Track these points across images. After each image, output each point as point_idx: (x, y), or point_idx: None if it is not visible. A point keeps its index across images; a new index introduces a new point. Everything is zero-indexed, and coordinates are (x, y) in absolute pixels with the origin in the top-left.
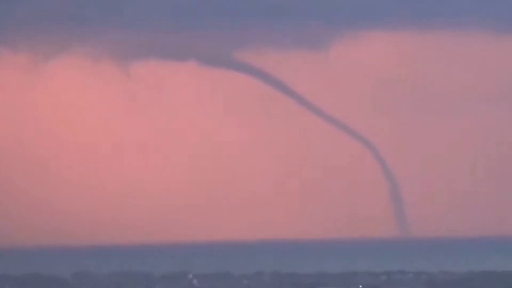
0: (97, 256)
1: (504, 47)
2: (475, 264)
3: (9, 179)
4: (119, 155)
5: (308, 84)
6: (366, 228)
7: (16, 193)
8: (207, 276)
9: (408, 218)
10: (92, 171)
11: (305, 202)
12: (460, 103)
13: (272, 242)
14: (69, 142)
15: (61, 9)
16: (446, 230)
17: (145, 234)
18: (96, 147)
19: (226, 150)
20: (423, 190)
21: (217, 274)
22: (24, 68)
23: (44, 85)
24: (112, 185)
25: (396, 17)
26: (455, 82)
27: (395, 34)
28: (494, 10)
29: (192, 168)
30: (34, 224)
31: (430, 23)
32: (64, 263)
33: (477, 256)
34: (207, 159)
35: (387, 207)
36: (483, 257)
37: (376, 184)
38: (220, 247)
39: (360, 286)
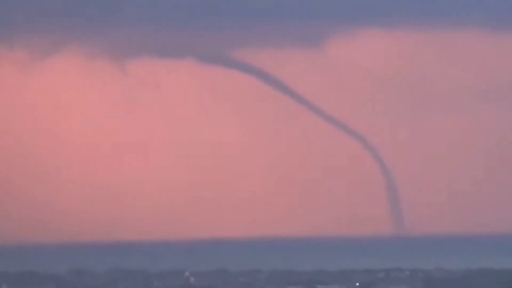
0: (93, 253)
1: (503, 45)
2: (471, 261)
3: (5, 177)
4: (115, 153)
5: (306, 82)
6: (363, 226)
7: (12, 190)
8: (204, 274)
9: (405, 216)
10: (88, 168)
11: (303, 199)
12: (458, 101)
13: (269, 239)
14: (65, 139)
15: (57, 7)
16: (443, 228)
17: (141, 231)
18: (92, 144)
19: (223, 148)
20: (420, 188)
21: (214, 271)
22: (19, 66)
23: (40, 83)
24: (108, 183)
25: (394, 15)
26: (454, 80)
27: (393, 32)
28: (493, 8)
29: (189, 166)
30: (30, 222)
31: (429, 21)
32: (60, 260)
33: (473, 253)
34: (204, 157)
35: (384, 205)
36: (479, 255)
37: (373, 182)
38: (217, 244)
39: (357, 283)
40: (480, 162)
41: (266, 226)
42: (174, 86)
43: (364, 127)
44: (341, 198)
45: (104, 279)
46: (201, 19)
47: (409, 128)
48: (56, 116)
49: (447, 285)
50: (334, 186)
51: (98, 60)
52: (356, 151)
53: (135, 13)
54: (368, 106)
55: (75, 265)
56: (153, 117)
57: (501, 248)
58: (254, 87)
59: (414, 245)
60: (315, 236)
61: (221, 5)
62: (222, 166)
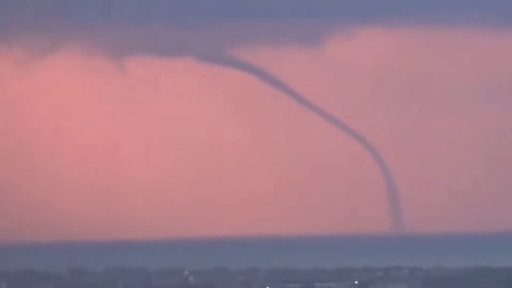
0: (92, 252)
1: (503, 44)
2: (470, 260)
3: (3, 175)
4: (114, 151)
5: (305, 81)
6: (362, 224)
7: (10, 189)
8: (203, 272)
9: (404, 214)
10: (87, 167)
11: (301, 198)
12: (458, 100)
13: (267, 238)
14: (64, 138)
15: (56, 5)
16: (441, 226)
17: (140, 230)
18: (91, 143)
19: (221, 147)
20: (419, 186)
21: (213, 270)
22: (18, 64)
23: (39, 81)
24: (106, 181)
25: (393, 14)
26: (453, 79)
27: (392, 31)
28: (492, 6)
29: (187, 164)
30: (28, 221)
31: (429, 20)
32: (59, 259)
33: (472, 252)
34: (202, 155)
35: (383, 203)
36: (478, 254)
37: (372, 181)
38: (216, 243)
39: (356, 282)
40: (479, 161)
41: (265, 225)
42: (173, 84)
43: (363, 126)
44: (340, 197)
45: (103, 278)
46: (200, 17)
47: (408, 127)
48: (54, 114)
49: (446, 283)
50: (333, 185)
51: (97, 58)
52: (355, 150)
53: (134, 12)
54: (367, 105)
55: (74, 264)
56: (151, 115)
57: (500, 247)
58: (253, 86)
59: (413, 244)
60: (313, 235)
61: (220, 4)
62: (221, 165)
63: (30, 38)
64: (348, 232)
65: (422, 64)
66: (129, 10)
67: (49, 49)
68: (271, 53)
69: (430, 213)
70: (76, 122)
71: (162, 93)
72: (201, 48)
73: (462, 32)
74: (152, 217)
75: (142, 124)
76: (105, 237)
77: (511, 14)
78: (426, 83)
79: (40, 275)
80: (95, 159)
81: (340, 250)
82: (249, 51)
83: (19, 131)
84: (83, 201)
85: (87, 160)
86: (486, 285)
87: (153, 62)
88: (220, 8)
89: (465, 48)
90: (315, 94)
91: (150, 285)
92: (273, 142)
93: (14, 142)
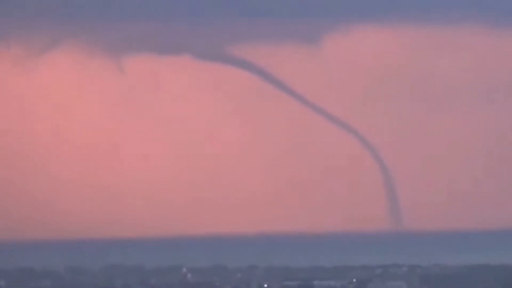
0: (90, 250)
1: (502, 42)
2: (468, 257)
3: (1, 173)
4: (112, 149)
5: (303, 79)
6: (360, 222)
7: (8, 187)
8: (201, 270)
9: (402, 212)
10: (85, 165)
11: (300, 196)
12: (457, 98)
13: (266, 236)
14: (62, 136)
15: (54, 3)
16: (440, 223)
17: (139, 227)
18: (89, 141)
19: (220, 145)
20: (418, 184)
21: (211, 267)
22: (16, 63)
23: (37, 80)
24: (105, 180)
25: (392, 12)
26: (453, 77)
27: (391, 29)
28: (491, 4)
29: (185, 162)
30: (27, 219)
31: (429, 18)
32: (57, 257)
33: (471, 249)
34: (201, 153)
35: (381, 201)
36: (477, 251)
37: (371, 178)
38: (214, 241)
39: (355, 279)
40: (478, 159)
41: (263, 223)
42: (171, 82)
43: (361, 124)
44: (338, 195)
45: (101, 276)
46: (198, 15)
47: (406, 125)
48: (53, 112)
49: (444, 281)
50: (331, 183)
51: (95, 56)
52: (352, 148)
53: (132, 10)
54: (366, 103)
55: (72, 262)
56: (150, 113)
57: (499, 244)
58: (252, 84)
59: (411, 242)
60: (312, 233)
61: (218, 2)
62: (219, 163)
63: (29, 36)
64: (346, 229)
65: (421, 62)
66: (128, 8)
67: (47, 48)
68: (269, 51)
69: (429, 211)
70: (75, 120)
71: (161, 91)
72: (199, 46)
73: (462, 31)
74: (150, 215)
75: (140, 121)
76: (103, 235)
77: (511, 13)
78: (425, 81)
79: (38, 273)
80: (93, 157)
81: (338, 248)
82: (247, 49)
83: (17, 129)
84: (81, 199)
85: (85, 158)
86: (484, 283)
87: (151, 60)
88: (218, 7)
89: (465, 47)
90: (314, 92)
91: (148, 282)
92: (272, 139)
93: (11, 140)
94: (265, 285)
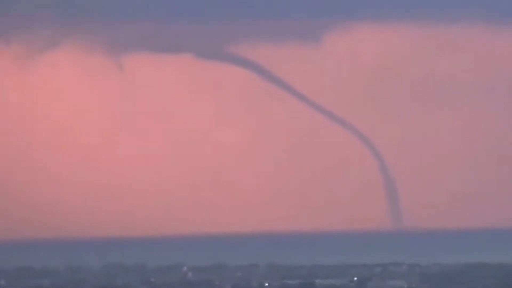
0: (90, 249)
1: (502, 40)
2: (468, 256)
3: (0, 173)
4: (112, 148)
5: (304, 77)
6: (361, 221)
7: (7, 186)
8: (201, 268)
9: (402, 211)
10: (85, 164)
11: (300, 194)
12: (457, 96)
13: (266, 234)
14: (62, 134)
15: (54, 2)
16: (440, 223)
17: (139, 227)
18: (89, 140)
19: (220, 144)
20: (418, 183)
21: (211, 266)
22: (16, 61)
23: (37, 78)
24: (105, 179)
25: (393, 10)
26: (453, 75)
27: (392, 27)
28: (491, 2)
29: (185, 160)
30: (26, 218)
31: (428, 16)
32: (57, 256)
33: (471, 248)
34: (201, 152)
35: (382, 200)
36: (477, 250)
37: (371, 178)
38: (214, 239)
39: (355, 278)
40: (478, 158)
41: (264, 222)
42: (172, 81)
43: (361, 123)
44: (339, 194)
45: (101, 274)
46: (199, 15)
47: (407, 124)
48: (52, 110)
49: (444, 280)
50: (331, 182)
51: (95, 55)
52: (352, 147)
53: (133, 9)
54: (366, 102)
55: (72, 261)
56: (149, 111)
57: (498, 243)
58: (252, 83)
59: (411, 240)
60: (312, 231)
61: (219, 2)
62: (219, 162)
63: (29, 35)
64: (347, 228)
65: (421, 61)
66: (128, 7)
67: (48, 46)
68: (269, 49)
69: (429, 210)
70: (74, 118)
71: (162, 90)
72: (199, 45)
73: (462, 29)
74: (151, 214)
75: (141, 120)
76: (103, 234)
77: (511, 12)
78: (425, 80)
79: (38, 272)
80: (93, 156)
81: (339, 247)
82: (247, 47)
83: (17, 128)
84: (81, 198)
85: (85, 157)
86: (484, 281)
87: (151, 59)
88: (218, 5)
89: (466, 46)
90: (314, 91)
91: (149, 281)
92: (272, 138)
93: (11, 139)
94: (266, 284)
